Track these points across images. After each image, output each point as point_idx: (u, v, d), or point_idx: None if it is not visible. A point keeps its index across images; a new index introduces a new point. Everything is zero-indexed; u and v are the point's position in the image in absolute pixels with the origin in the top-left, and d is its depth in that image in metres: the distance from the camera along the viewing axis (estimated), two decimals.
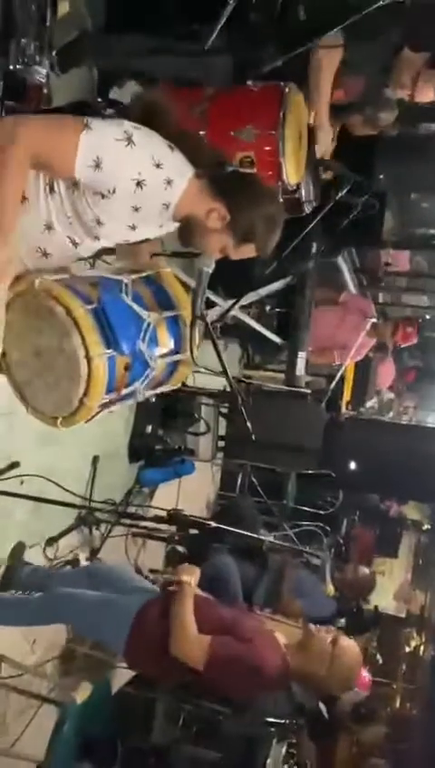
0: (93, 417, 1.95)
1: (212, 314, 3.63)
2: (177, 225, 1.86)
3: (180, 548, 4.05)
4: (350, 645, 2.38)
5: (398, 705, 7.82)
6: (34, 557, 3.22)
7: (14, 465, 2.98)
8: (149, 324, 1.93)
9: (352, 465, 4.73)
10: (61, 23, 1.99)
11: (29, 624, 2.82)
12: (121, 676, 3.74)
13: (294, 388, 4.30)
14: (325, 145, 2.91)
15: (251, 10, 2.36)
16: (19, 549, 3.09)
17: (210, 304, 3.80)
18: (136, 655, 2.41)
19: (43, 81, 1.96)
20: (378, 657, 7.38)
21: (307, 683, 2.39)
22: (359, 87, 2.87)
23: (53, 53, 1.97)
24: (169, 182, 1.68)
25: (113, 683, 3.60)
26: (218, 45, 2.21)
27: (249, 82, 2.45)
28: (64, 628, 3.52)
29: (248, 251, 1.82)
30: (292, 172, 2.58)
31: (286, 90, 2.48)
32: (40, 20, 1.90)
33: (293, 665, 2.31)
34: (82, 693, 2.34)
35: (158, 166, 1.64)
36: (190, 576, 2.44)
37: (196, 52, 2.21)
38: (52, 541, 3.36)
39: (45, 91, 2.01)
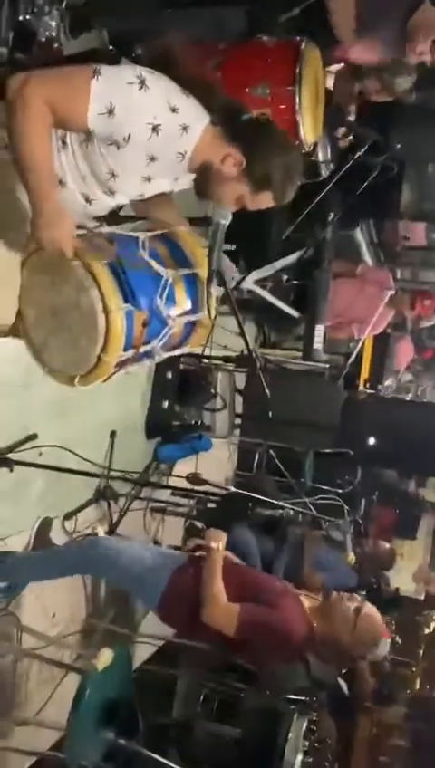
0: (111, 376, 1.91)
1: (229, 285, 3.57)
2: (192, 177, 1.82)
3: (199, 523, 4.02)
4: (373, 612, 2.44)
5: (417, 686, 7.79)
6: (52, 531, 3.21)
7: (32, 437, 2.96)
8: (166, 281, 1.89)
9: (371, 441, 4.69)
10: None
11: (67, 573, 2.87)
12: (141, 654, 3.74)
13: (311, 364, 4.25)
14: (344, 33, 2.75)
15: None
16: (46, 525, 3.10)
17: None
18: (170, 612, 2.50)
19: (54, 34, 1.91)
20: (397, 638, 7.35)
21: (331, 647, 2.42)
22: (376, 47, 2.78)
23: (63, 5, 1.92)
24: (184, 128, 1.63)
25: (134, 661, 3.60)
26: None
27: (264, 38, 2.38)
28: (84, 604, 3.53)
29: (266, 200, 1.76)
30: (309, 130, 2.52)
31: (303, 44, 2.42)
32: None
33: (318, 629, 2.36)
34: (104, 659, 2.34)
35: (173, 110, 1.59)
36: (218, 542, 2.47)
37: (207, 5, 2.15)
38: (70, 515, 3.35)
39: (56, 45, 1.97)
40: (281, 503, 2.82)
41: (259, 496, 2.67)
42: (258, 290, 3.94)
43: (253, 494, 2.62)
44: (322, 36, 2.53)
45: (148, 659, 3.82)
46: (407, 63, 3.04)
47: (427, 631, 8.47)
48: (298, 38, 2.44)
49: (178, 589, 2.44)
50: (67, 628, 3.35)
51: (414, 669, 7.91)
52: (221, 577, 2.35)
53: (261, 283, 3.95)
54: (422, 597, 8.30)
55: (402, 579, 7.94)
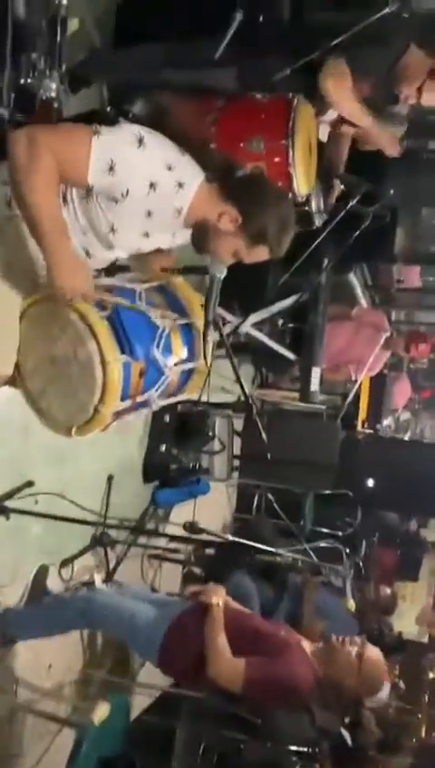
0: (108, 425, 1.93)
1: (226, 330, 3.62)
2: (189, 233, 1.87)
3: (197, 570, 3.98)
4: (376, 655, 2.46)
5: (423, 734, 7.56)
6: (49, 578, 3.17)
7: (29, 483, 2.95)
8: (163, 331, 1.92)
9: (370, 483, 4.68)
10: (70, 38, 2.03)
11: (64, 629, 2.85)
12: (139, 703, 3.65)
13: (309, 405, 4.26)
14: (387, 140, 2.84)
15: (258, 25, 2.38)
16: (42, 573, 3.07)
17: (224, 322, 3.79)
18: (170, 663, 2.48)
19: (54, 95, 1.98)
20: (401, 684, 7.18)
21: (335, 692, 2.42)
22: (367, 90, 2.83)
23: (63, 69, 2.00)
24: (180, 185, 1.68)
25: (131, 711, 3.52)
26: (226, 57, 2.23)
27: (258, 95, 2.47)
28: (80, 654, 3.46)
29: (262, 253, 1.81)
30: (302, 182, 2.59)
31: (295, 101, 2.50)
32: (50, 35, 1.94)
33: (321, 675, 2.36)
34: (100, 713, 2.29)
35: (169, 168, 1.65)
36: (218, 597, 2.47)
37: (204, 64, 2.23)
38: (66, 562, 3.32)
39: (56, 105, 2.04)
40: (280, 551, 2.80)
41: (258, 545, 2.64)
42: (255, 333, 3.98)
43: (251, 543, 2.59)
44: (313, 92, 2.61)
45: (146, 709, 3.73)
46: (398, 113, 3.12)
47: (432, 676, 8.27)
48: (290, 95, 2.52)
49: (177, 640, 2.43)
50: (63, 678, 3.28)
51: (420, 716, 7.69)
52: (224, 634, 2.35)
53: (258, 326, 3.99)
54: (426, 640, 8.14)
55: (405, 621, 7.78)
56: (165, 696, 3.57)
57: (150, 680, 3.53)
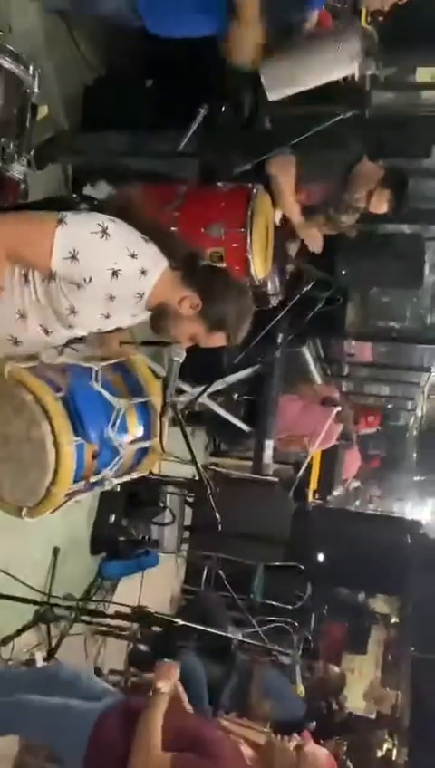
0: (60, 506, 1.90)
1: (181, 401, 3.64)
2: (149, 313, 1.90)
3: (143, 647, 3.85)
4: (316, 751, 2.22)
5: None
6: None
7: None
8: (118, 411, 1.92)
9: (320, 557, 4.68)
10: (39, 123, 2.10)
11: None
12: None
13: (261, 477, 4.28)
14: (315, 240, 3.05)
15: (220, 118, 2.52)
16: None
17: (179, 391, 3.81)
18: None
19: (21, 177, 2.03)
20: (349, 763, 6.98)
21: None
22: (321, 192, 3.02)
23: (31, 152, 2.05)
24: (143, 272, 1.71)
25: None
26: (190, 148, 2.34)
27: (219, 184, 2.58)
28: (17, 739, 3.27)
29: (219, 339, 1.85)
30: (259, 267, 2.68)
31: (254, 190, 2.62)
32: (20, 122, 2.00)
33: None
34: None
35: (133, 256, 1.68)
36: (168, 682, 2.23)
37: (168, 154, 2.33)
38: (7, 640, 3.17)
39: (23, 186, 2.08)
40: (230, 635, 2.73)
41: (206, 628, 2.56)
42: (210, 404, 4.01)
43: (199, 627, 2.49)
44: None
45: None
46: (351, 204, 3.31)
47: (380, 753, 8.08)
48: (250, 185, 2.64)
49: (105, 737, 2.17)
50: None
51: None
52: (160, 727, 2.08)
53: (213, 397, 4.02)
54: (374, 716, 7.99)
55: (354, 695, 7.63)
56: None
57: None
